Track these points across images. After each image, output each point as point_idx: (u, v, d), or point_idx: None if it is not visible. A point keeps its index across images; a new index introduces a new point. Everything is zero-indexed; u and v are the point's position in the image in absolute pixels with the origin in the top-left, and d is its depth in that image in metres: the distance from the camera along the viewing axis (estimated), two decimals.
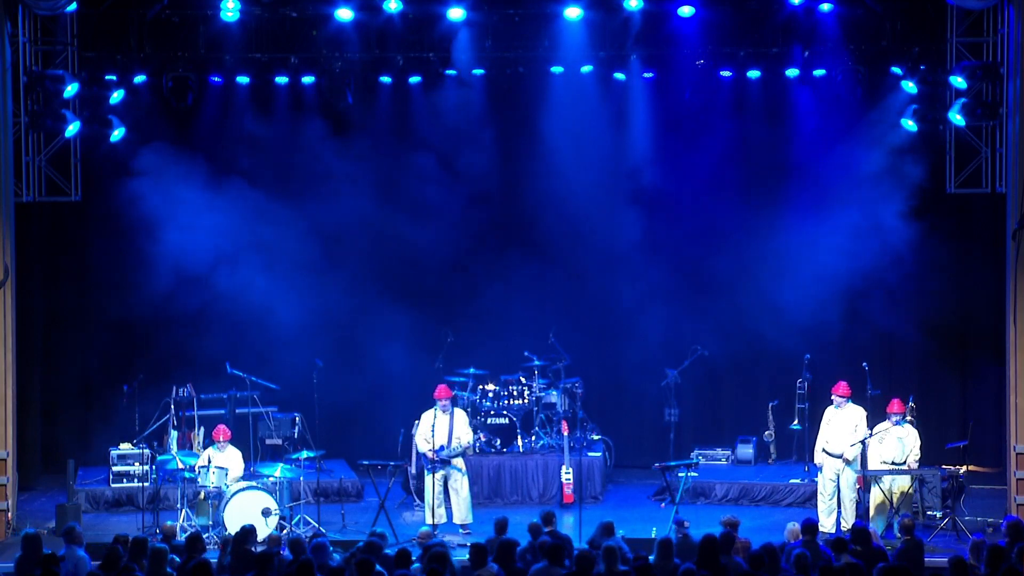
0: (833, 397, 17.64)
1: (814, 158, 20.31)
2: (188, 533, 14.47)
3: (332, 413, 19.94)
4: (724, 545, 13.20)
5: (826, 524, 17.08)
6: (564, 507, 18.66)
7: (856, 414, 17.50)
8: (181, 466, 17.43)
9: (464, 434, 17.84)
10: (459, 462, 17.74)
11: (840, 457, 17.35)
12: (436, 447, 17.58)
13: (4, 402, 17.67)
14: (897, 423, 17.35)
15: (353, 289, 20.61)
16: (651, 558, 12.77)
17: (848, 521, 17.12)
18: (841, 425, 17.47)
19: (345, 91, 19.82)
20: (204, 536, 16.60)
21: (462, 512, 17.70)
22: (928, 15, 18.99)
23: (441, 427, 17.64)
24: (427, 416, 17.85)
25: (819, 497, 17.64)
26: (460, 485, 17.72)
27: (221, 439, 17.79)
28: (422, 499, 18.26)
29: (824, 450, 17.51)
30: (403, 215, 20.79)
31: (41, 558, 12.77)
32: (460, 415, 17.98)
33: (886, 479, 17.08)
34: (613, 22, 19.14)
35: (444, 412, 17.75)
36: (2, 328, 17.67)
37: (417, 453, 18.22)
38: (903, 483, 17.16)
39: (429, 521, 17.34)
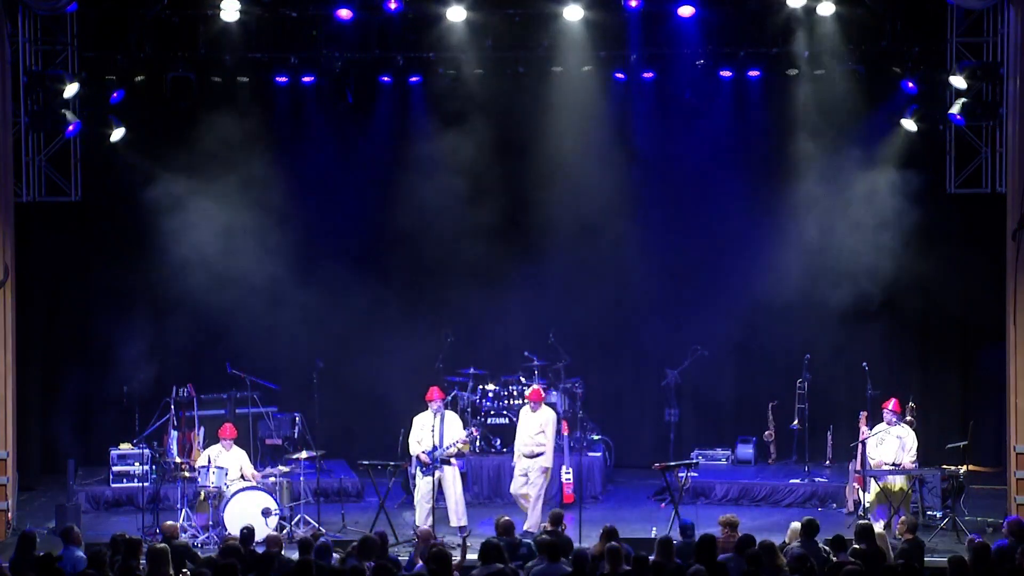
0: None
1: (814, 158, 20.30)
2: (225, 542, 14.21)
3: (332, 413, 19.92)
4: (724, 545, 13.21)
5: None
6: (564, 507, 18.62)
7: (545, 415, 17.60)
8: (180, 463, 17.49)
9: (456, 433, 17.52)
10: (453, 463, 17.55)
11: (531, 457, 17.49)
12: (428, 449, 17.41)
13: (4, 402, 17.65)
14: (892, 423, 17.40)
15: (353, 289, 20.57)
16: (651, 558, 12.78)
17: (532, 517, 17.28)
18: (528, 426, 17.62)
19: (345, 91, 19.87)
20: (203, 536, 16.76)
21: (458, 514, 17.51)
22: (928, 15, 18.98)
23: (433, 429, 17.52)
24: (418, 419, 17.63)
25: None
26: (454, 487, 17.54)
27: (228, 437, 17.71)
28: None
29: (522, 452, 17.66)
30: (403, 215, 20.79)
31: (37, 559, 12.74)
32: (451, 416, 17.71)
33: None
34: (613, 22, 19.13)
35: (436, 415, 17.54)
36: (2, 328, 17.65)
37: (410, 456, 18.08)
38: (897, 481, 17.16)
39: (420, 524, 17.13)
